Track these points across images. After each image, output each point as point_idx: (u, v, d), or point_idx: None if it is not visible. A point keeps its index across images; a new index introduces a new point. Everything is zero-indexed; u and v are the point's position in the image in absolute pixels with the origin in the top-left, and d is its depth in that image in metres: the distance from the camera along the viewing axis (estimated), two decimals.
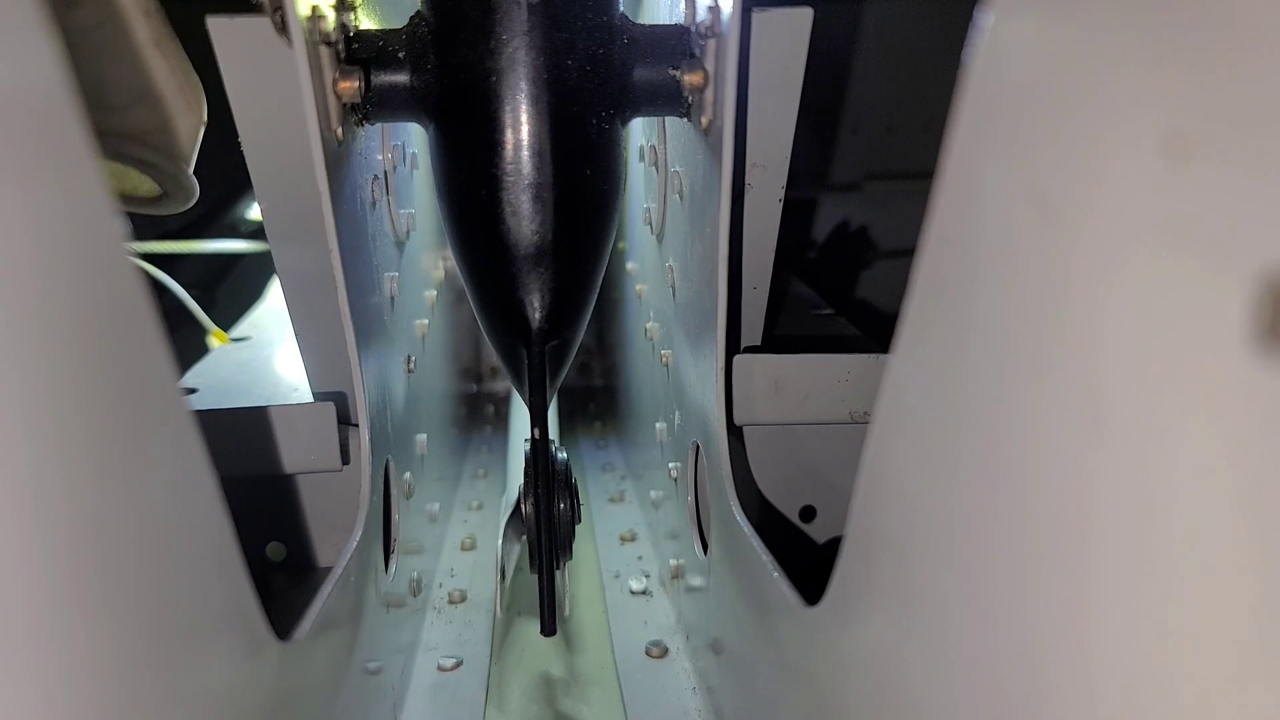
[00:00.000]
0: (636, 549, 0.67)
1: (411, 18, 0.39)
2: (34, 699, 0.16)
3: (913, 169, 0.81)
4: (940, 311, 0.21)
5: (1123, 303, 0.15)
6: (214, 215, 0.84)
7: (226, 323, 0.68)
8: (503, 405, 0.90)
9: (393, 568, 0.47)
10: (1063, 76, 0.17)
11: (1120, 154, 0.15)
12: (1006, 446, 0.19)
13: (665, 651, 0.54)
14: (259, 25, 0.35)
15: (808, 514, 0.51)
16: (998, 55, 0.18)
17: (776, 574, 0.35)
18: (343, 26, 0.36)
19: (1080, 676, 0.17)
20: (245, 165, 0.39)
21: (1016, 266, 0.18)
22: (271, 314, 0.70)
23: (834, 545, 0.27)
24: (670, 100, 0.40)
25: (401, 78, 0.39)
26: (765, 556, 0.36)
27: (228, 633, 0.24)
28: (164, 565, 0.20)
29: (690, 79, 0.38)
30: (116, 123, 0.33)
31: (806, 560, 0.50)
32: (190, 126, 0.35)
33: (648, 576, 0.62)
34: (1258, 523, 0.13)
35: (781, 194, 0.44)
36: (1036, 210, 0.18)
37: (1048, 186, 0.17)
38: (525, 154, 0.38)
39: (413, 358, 0.53)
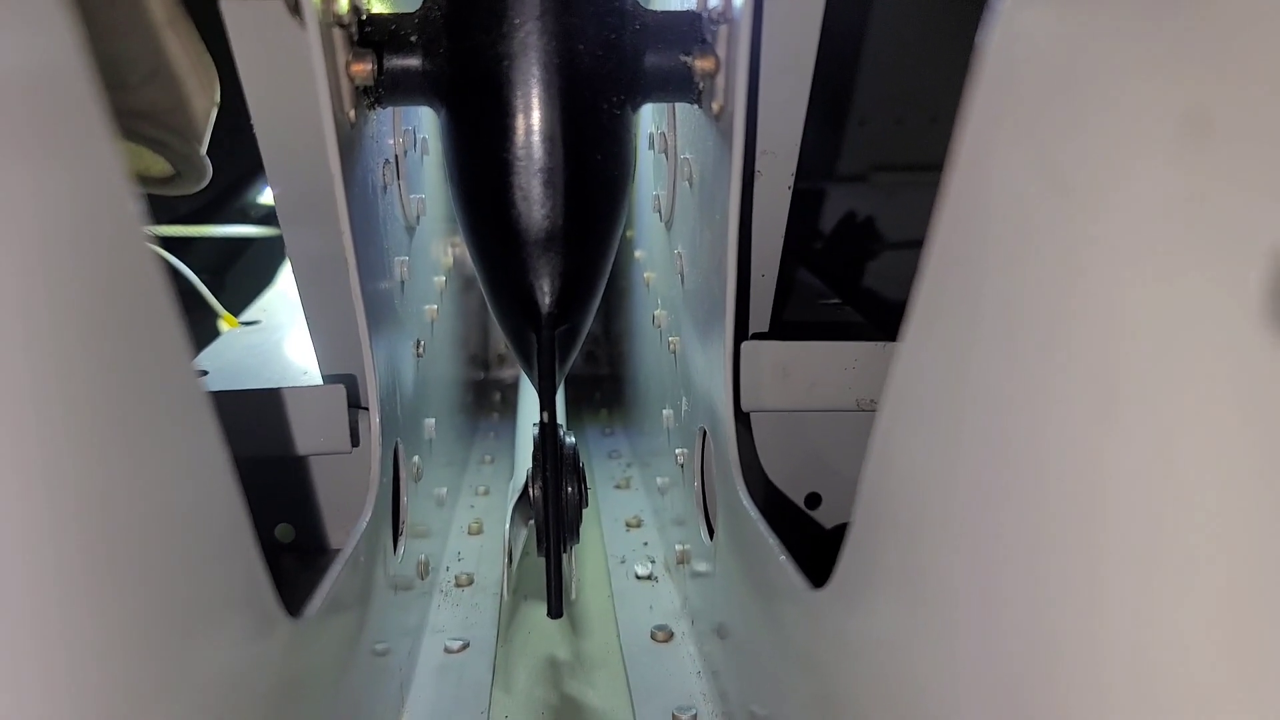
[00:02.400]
0: (642, 535, 0.67)
1: (424, 1, 0.40)
2: (44, 675, 0.16)
3: (920, 162, 0.80)
4: (951, 297, 0.21)
5: (1140, 286, 0.15)
6: (224, 200, 0.84)
7: (237, 307, 0.68)
8: (510, 392, 0.90)
9: (401, 550, 0.47)
10: (1078, 60, 0.17)
11: (1138, 137, 0.15)
12: (1016, 433, 0.19)
13: (670, 636, 0.54)
14: (272, 7, 0.35)
15: (813, 500, 0.51)
16: (1013, 40, 0.18)
17: (783, 557, 0.35)
18: (355, 9, 0.36)
19: (1087, 661, 0.17)
20: (256, 149, 0.39)
21: (1031, 251, 0.18)
22: (281, 298, 0.70)
23: (840, 531, 0.28)
24: (681, 86, 0.40)
25: (414, 61, 0.39)
26: (772, 540, 0.36)
27: (240, 611, 0.25)
28: (177, 544, 0.21)
29: (701, 65, 0.38)
30: (130, 101, 0.33)
31: (812, 546, 0.51)
32: (203, 106, 0.35)
33: (653, 562, 0.63)
34: (1273, 508, 0.13)
35: (791, 181, 0.44)
36: (1055, 194, 0.18)
37: (1067, 170, 0.17)
38: (536, 139, 0.38)
39: (422, 342, 0.54)
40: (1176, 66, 0.15)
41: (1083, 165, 0.17)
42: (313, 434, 0.44)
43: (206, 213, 0.80)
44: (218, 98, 0.37)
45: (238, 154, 0.41)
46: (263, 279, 0.77)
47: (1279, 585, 0.13)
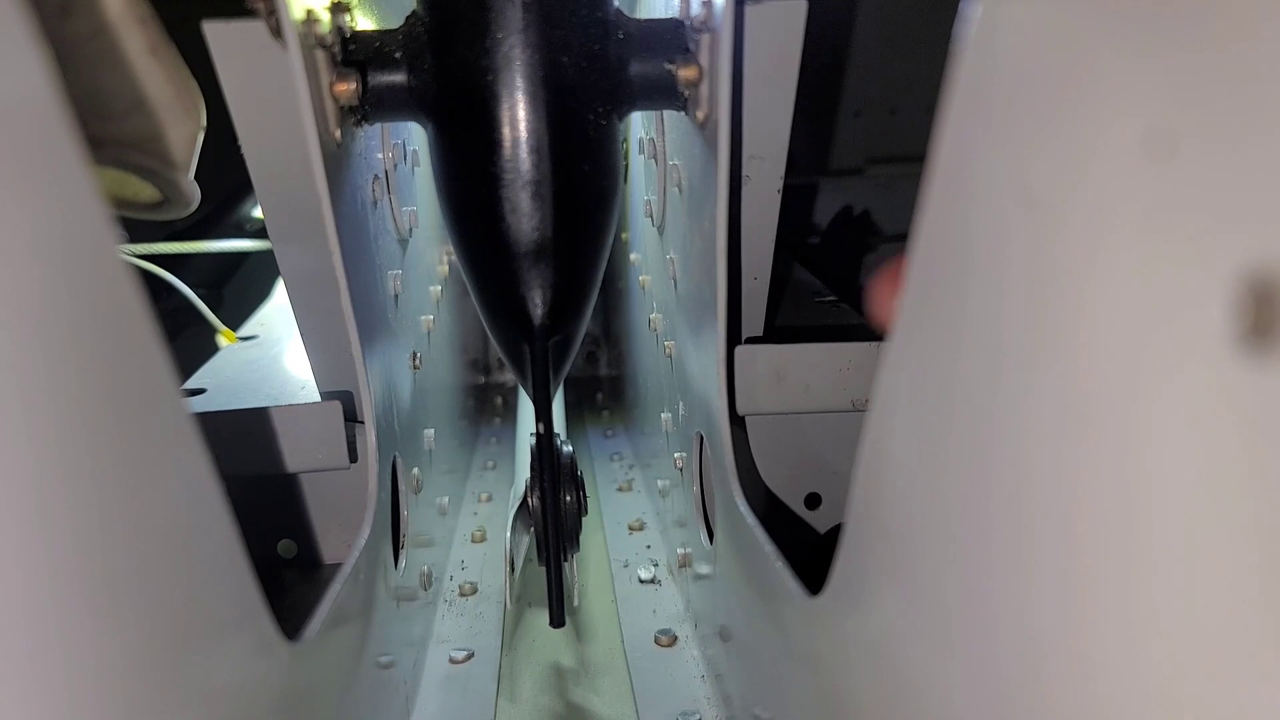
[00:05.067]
0: (645, 538, 0.67)
1: (407, 18, 0.40)
2: (39, 704, 0.16)
3: (916, 152, 0.80)
4: (934, 301, 0.21)
5: (1107, 297, 0.15)
6: (220, 215, 0.84)
7: (234, 321, 0.68)
8: (510, 396, 0.90)
9: (403, 562, 0.47)
10: (1050, 69, 0.17)
11: (1105, 149, 0.15)
12: (999, 435, 0.19)
13: (674, 640, 0.54)
14: (255, 29, 0.35)
15: (813, 501, 0.51)
16: (986, 47, 0.18)
17: (779, 563, 0.35)
18: (338, 29, 0.37)
19: (1076, 658, 0.17)
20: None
21: (1005, 258, 0.18)
22: (279, 312, 0.70)
23: (837, 533, 0.28)
24: (666, 95, 0.40)
25: (399, 78, 0.39)
26: (769, 546, 0.36)
27: (234, 634, 0.25)
28: (167, 569, 0.21)
29: (685, 74, 0.38)
30: (115, 130, 0.33)
31: (811, 547, 0.51)
32: (188, 132, 0.35)
33: (656, 565, 0.63)
34: (1238, 512, 0.13)
35: (780, 185, 0.44)
36: (1022, 204, 0.18)
37: (1033, 180, 0.17)
38: (523, 151, 0.38)
39: (418, 354, 0.54)
40: (1146, 78, 0.15)
41: (1049, 175, 0.17)
42: (310, 451, 0.44)
43: (202, 228, 0.80)
44: (204, 122, 0.37)
45: (231, 169, 0.41)
46: (260, 293, 0.78)
47: (1250, 584, 0.13)
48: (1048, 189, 0.17)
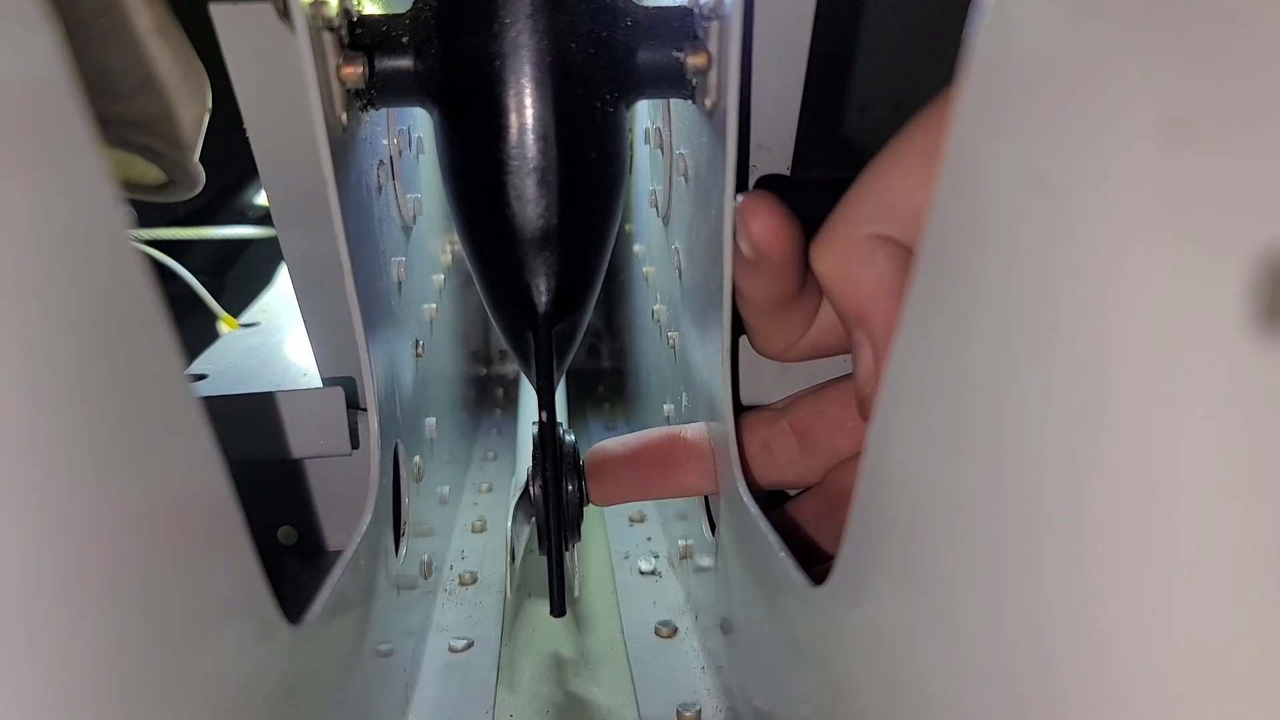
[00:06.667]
0: (645, 530, 0.67)
1: (415, 2, 0.39)
2: (39, 687, 0.16)
3: None
4: (944, 293, 0.21)
5: (1124, 286, 0.15)
6: (223, 201, 0.84)
7: (236, 308, 0.68)
8: (512, 388, 0.90)
9: (403, 551, 0.47)
10: (1064, 57, 0.17)
11: (1120, 136, 0.15)
12: (1010, 428, 0.19)
13: (674, 631, 0.54)
14: (262, 11, 0.35)
15: None
16: (1000, 36, 0.18)
17: (783, 554, 0.35)
18: (345, 12, 0.36)
19: (1087, 653, 0.17)
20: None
21: (1019, 250, 0.18)
22: (281, 299, 0.70)
23: None
24: (674, 83, 0.40)
25: (405, 62, 0.39)
26: (772, 537, 0.36)
27: (238, 618, 0.25)
28: (172, 553, 0.21)
29: (693, 61, 0.38)
30: (121, 110, 0.33)
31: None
32: (194, 114, 0.35)
33: (657, 557, 0.63)
34: (1258, 504, 0.13)
35: (787, 175, 0.44)
36: (1037, 194, 0.18)
37: (1048, 170, 0.17)
38: (529, 138, 0.38)
39: (421, 342, 0.54)
40: (1161, 65, 0.15)
41: (1064, 164, 0.17)
42: (312, 437, 0.44)
43: (205, 214, 0.80)
44: (209, 104, 0.37)
45: (234, 155, 0.41)
46: (262, 279, 0.78)
47: (1271, 580, 0.13)
48: (1062, 177, 0.17)
